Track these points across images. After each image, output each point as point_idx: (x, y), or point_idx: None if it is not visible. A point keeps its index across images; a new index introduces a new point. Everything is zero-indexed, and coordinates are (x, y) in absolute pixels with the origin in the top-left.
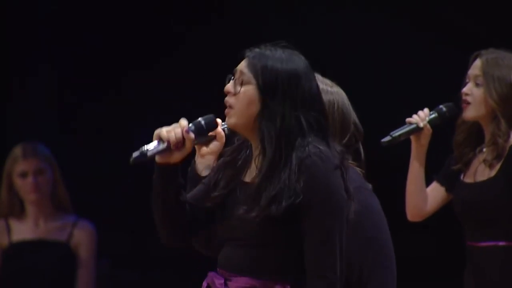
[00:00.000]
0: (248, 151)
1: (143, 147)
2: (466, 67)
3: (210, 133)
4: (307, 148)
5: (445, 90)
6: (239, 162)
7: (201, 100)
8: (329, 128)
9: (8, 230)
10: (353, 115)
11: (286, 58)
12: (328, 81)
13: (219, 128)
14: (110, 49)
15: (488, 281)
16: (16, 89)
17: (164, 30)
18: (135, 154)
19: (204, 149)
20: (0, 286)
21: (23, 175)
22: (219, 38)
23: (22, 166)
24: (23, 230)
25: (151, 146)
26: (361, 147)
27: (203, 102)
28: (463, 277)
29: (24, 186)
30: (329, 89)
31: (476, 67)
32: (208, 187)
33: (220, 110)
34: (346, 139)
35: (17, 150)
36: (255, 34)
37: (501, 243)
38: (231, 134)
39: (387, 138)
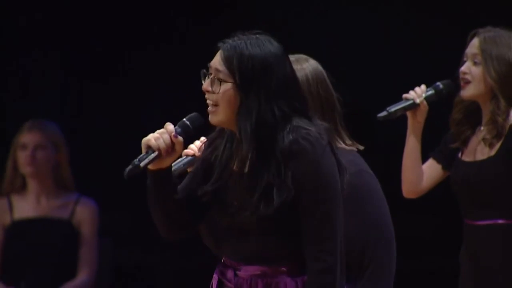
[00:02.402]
0: (233, 140)
1: (134, 160)
2: (464, 45)
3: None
4: (290, 135)
5: (442, 68)
6: (225, 153)
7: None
8: (309, 108)
9: (11, 207)
10: (330, 90)
11: (260, 48)
12: (302, 57)
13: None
14: (114, 30)
15: (484, 259)
16: (17, 71)
17: (168, 14)
18: (128, 168)
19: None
20: (3, 264)
21: (23, 147)
22: (220, 31)
23: (24, 138)
24: (25, 208)
25: (142, 157)
26: (340, 126)
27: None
28: (459, 257)
29: (21, 158)
30: (296, 67)
31: (474, 46)
32: (196, 179)
33: None
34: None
35: (26, 124)
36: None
37: (500, 221)
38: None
39: (383, 113)
